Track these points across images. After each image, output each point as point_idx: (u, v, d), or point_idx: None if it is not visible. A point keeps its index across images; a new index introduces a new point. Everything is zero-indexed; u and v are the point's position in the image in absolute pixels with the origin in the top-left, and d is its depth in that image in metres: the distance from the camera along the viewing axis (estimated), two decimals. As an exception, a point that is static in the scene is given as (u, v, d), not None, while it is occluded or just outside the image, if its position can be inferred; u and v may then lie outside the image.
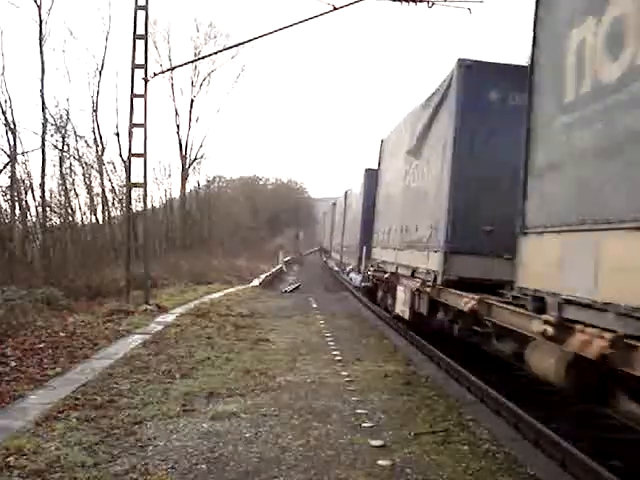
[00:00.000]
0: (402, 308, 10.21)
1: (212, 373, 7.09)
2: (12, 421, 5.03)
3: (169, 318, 11.84)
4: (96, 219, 22.79)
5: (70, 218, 19.73)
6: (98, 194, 22.82)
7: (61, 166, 19.85)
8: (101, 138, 23.95)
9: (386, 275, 11.81)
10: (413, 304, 9.40)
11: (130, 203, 14.70)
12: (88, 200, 22.02)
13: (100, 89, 23.83)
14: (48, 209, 18.59)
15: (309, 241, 61.47)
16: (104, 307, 12.52)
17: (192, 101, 32.51)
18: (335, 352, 8.67)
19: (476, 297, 6.41)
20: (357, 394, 6.26)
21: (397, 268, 10.84)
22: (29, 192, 18.17)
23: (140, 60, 13.12)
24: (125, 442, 4.63)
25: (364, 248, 16.88)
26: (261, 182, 70.56)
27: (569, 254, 4.03)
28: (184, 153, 32.58)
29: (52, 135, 19.69)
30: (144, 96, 13.09)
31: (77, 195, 21.05)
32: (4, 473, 3.93)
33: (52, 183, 19.62)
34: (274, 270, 31.65)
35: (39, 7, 18.92)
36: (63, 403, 5.56)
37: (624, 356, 3.38)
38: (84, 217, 21.59)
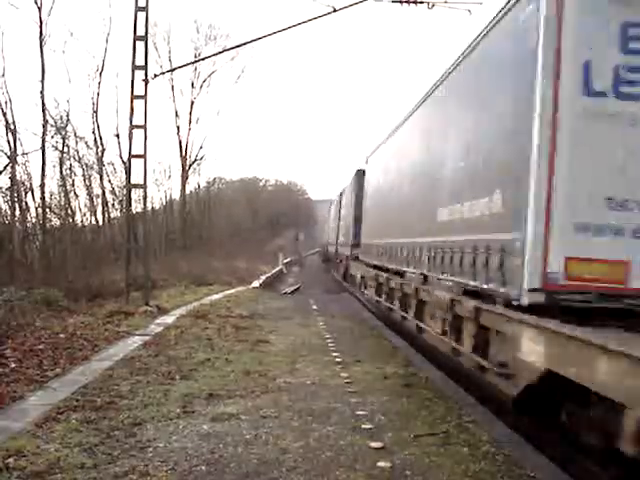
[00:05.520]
0: None
1: (212, 374, 7.09)
2: (12, 422, 5.03)
3: (169, 319, 11.84)
4: (96, 220, 22.87)
5: (70, 219, 19.76)
6: (98, 195, 22.92)
7: (61, 167, 19.91)
8: (101, 139, 24.04)
9: None
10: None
11: (130, 204, 14.70)
12: (88, 201, 22.09)
13: (100, 90, 24.01)
14: (48, 210, 18.63)
15: (309, 242, 61.45)
16: (104, 308, 12.53)
17: (192, 102, 32.61)
18: (335, 353, 8.67)
19: None
20: (357, 396, 6.26)
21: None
22: (29, 193, 18.23)
23: (140, 61, 13.13)
24: (125, 443, 4.63)
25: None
26: (261, 183, 70.64)
27: None
28: (184, 154, 32.64)
29: (52, 136, 19.77)
30: (144, 97, 13.10)
31: (77, 196, 21.13)
32: (4, 474, 3.93)
33: (52, 184, 19.68)
34: (274, 271, 31.61)
35: (39, 8, 19.02)
36: (63, 404, 5.56)
37: None
38: (84, 218, 21.67)
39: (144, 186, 13.74)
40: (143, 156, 13.25)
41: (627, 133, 4.81)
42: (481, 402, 6.29)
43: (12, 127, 17.74)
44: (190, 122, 32.66)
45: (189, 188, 34.99)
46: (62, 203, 19.46)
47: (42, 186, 18.43)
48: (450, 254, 7.29)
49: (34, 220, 18.33)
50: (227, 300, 16.29)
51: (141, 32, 13.11)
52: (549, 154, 4.88)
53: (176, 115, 32.43)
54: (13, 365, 7.06)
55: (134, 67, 13.12)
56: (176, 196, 33.62)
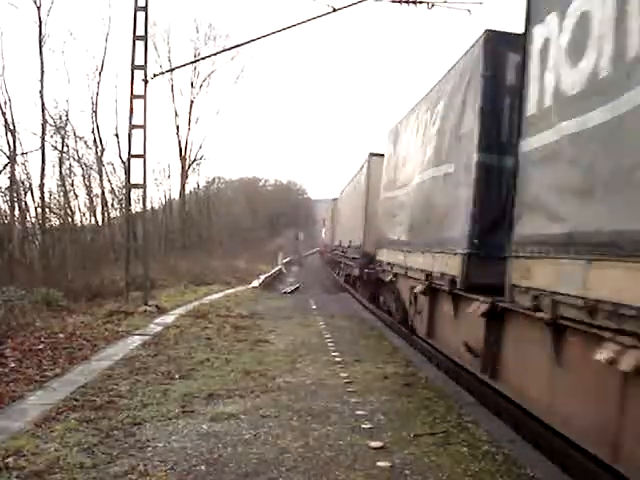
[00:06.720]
0: None
1: (211, 374, 7.09)
2: (11, 422, 5.03)
3: (168, 319, 11.84)
4: (95, 220, 22.86)
5: (69, 219, 19.77)
6: (97, 195, 22.91)
7: (60, 167, 19.93)
8: (101, 139, 24.05)
9: None
10: None
11: (129, 204, 14.69)
12: (87, 201, 22.10)
13: (100, 90, 24.02)
14: (47, 210, 18.63)
15: (308, 242, 61.46)
16: (103, 308, 12.53)
17: (192, 102, 32.57)
18: (334, 353, 8.66)
19: None
20: (357, 395, 6.26)
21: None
22: (28, 193, 18.23)
23: (140, 61, 13.12)
24: (124, 443, 4.63)
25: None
26: (260, 183, 70.67)
27: None
28: (184, 154, 32.61)
29: (52, 136, 19.79)
30: (144, 97, 13.08)
31: (76, 196, 21.14)
32: (3, 474, 3.92)
33: (51, 184, 19.75)
34: (273, 271, 31.61)
35: (39, 8, 19.04)
36: (62, 404, 5.56)
37: None
38: (83, 218, 21.67)
39: (144, 186, 13.72)
40: (142, 156, 13.24)
41: None
42: (481, 402, 6.30)
43: (11, 127, 17.78)
44: (190, 122, 32.64)
45: (188, 188, 34.98)
46: (61, 203, 19.47)
47: (41, 186, 18.45)
48: None
49: (33, 220, 18.34)
50: (227, 300, 16.28)
51: (140, 32, 13.10)
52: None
53: (176, 115, 32.43)
54: (13, 365, 7.07)
55: (133, 67, 13.11)
56: (175, 196, 33.61)
